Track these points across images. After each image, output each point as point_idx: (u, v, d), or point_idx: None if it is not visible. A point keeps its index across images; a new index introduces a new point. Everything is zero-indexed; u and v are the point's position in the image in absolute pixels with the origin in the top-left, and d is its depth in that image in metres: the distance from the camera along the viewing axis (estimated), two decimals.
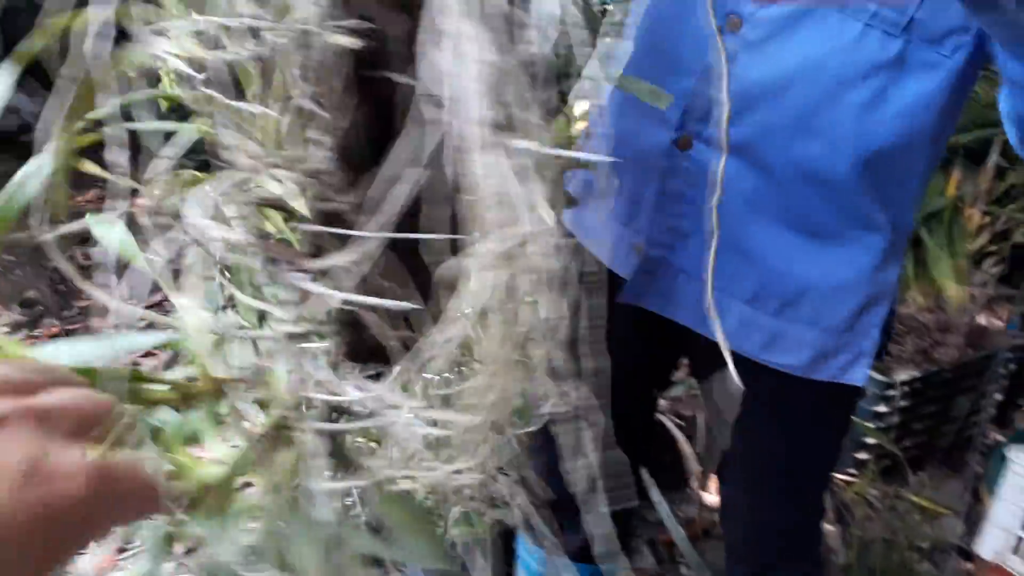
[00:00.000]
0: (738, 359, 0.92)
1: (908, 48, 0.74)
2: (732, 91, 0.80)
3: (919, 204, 0.89)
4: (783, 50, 0.77)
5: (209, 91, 0.39)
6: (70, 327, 2.25)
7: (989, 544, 1.39)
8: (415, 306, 0.39)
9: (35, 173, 0.42)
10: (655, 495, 1.64)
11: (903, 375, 1.83)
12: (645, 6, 0.88)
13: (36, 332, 2.25)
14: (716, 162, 0.83)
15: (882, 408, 1.83)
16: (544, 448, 1.22)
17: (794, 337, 0.89)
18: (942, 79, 0.77)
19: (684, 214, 0.87)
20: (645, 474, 1.64)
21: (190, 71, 0.39)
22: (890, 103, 0.78)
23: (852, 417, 1.01)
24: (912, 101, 0.77)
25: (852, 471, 1.88)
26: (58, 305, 2.31)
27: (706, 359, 1.02)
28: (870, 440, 1.85)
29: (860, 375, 0.91)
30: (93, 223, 0.48)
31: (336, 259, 0.38)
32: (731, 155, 0.82)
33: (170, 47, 0.39)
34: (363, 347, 0.45)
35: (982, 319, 2.00)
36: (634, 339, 1.05)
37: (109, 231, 0.47)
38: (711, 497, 1.76)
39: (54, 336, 2.20)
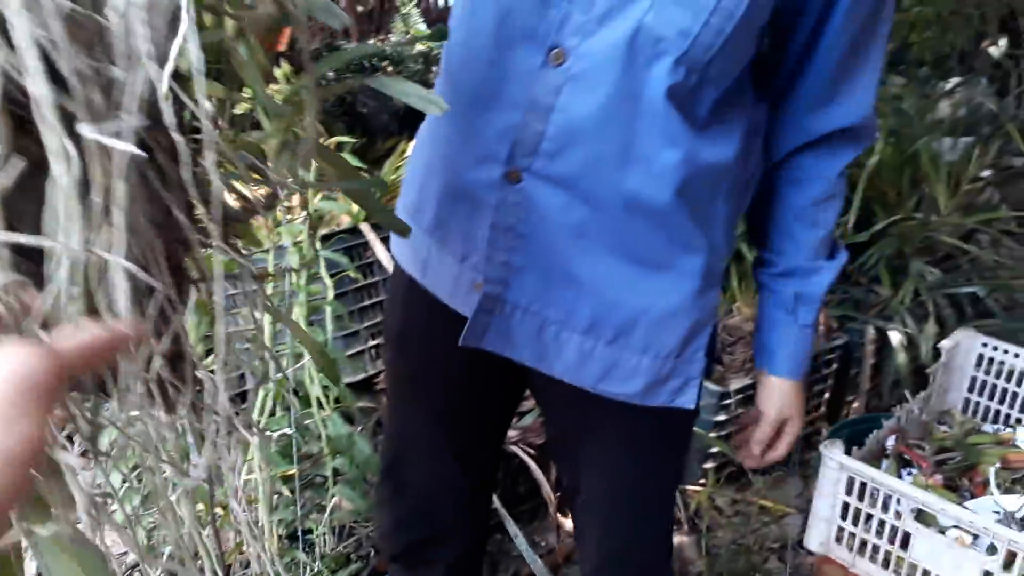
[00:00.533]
0: (578, 392, 0.93)
1: (704, 84, 0.78)
2: (557, 124, 0.80)
3: (734, 225, 0.94)
4: (605, 86, 0.78)
5: None
6: None
7: (815, 536, 1.47)
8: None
9: None
10: (511, 528, 1.63)
11: (736, 383, 1.92)
12: (457, 37, 0.88)
13: None
14: (545, 195, 0.84)
15: (721, 417, 1.91)
16: (390, 500, 1.18)
17: (628, 365, 0.91)
18: (739, 114, 0.84)
19: (516, 248, 0.87)
20: (500, 508, 1.63)
21: None
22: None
23: (690, 435, 1.04)
24: None
25: (702, 480, 1.96)
26: None
27: (546, 392, 1.03)
28: (713, 449, 1.92)
29: (690, 398, 0.93)
30: None
31: None
32: (559, 188, 0.83)
33: None
34: None
35: None
36: (475, 377, 1.04)
37: None
38: (571, 523, 1.77)
39: None
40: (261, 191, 0.55)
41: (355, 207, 1.94)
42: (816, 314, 1.00)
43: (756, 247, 1.02)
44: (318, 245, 1.59)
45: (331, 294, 1.61)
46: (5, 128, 0.37)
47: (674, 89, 0.76)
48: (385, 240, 1.99)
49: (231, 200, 0.50)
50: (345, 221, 2.04)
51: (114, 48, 0.38)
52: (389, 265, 1.93)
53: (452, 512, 1.13)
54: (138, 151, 0.37)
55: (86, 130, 0.37)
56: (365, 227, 2.00)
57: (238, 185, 0.51)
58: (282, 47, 1.70)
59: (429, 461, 1.10)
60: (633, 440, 0.97)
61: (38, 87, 0.35)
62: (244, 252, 0.51)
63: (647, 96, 0.77)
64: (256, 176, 0.53)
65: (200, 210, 0.44)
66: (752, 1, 0.73)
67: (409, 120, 2.81)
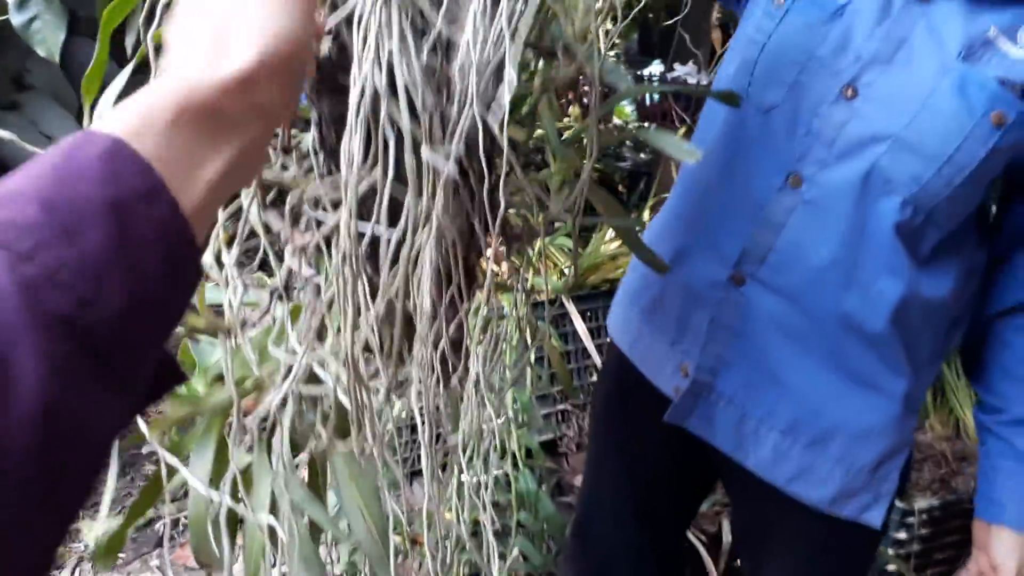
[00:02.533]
0: (768, 489, 0.99)
1: (929, 224, 0.84)
2: (786, 240, 0.89)
3: (940, 357, 0.97)
4: (836, 214, 0.85)
5: None
6: None
7: None
8: None
9: None
10: None
11: (922, 503, 1.87)
12: (707, 147, 0.96)
13: None
14: (766, 301, 0.92)
15: (902, 535, 1.86)
16: (578, 556, 1.26)
17: (821, 472, 0.95)
18: (960, 254, 0.89)
19: (730, 344, 0.95)
20: None
21: None
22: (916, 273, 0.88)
23: (874, 553, 1.05)
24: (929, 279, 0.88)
25: None
26: None
27: (737, 483, 1.08)
28: (891, 567, 1.87)
29: (878, 516, 0.96)
30: None
31: None
32: (779, 296, 0.91)
33: None
34: None
35: None
36: (670, 453, 1.12)
37: None
38: None
39: None
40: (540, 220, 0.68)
41: (558, 281, 2.09)
42: None
43: (980, 390, 0.98)
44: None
45: (533, 356, 1.75)
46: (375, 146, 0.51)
47: (899, 226, 0.83)
48: (583, 313, 2.12)
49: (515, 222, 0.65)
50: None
51: (453, 92, 0.51)
52: (584, 336, 2.06)
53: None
54: (454, 172, 0.50)
55: (425, 152, 0.50)
56: (566, 300, 2.13)
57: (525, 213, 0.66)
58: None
59: (616, 525, 1.18)
60: (816, 548, 1.01)
61: (403, 119, 0.49)
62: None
63: (873, 228, 0.84)
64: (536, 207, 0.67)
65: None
66: (985, 158, 0.79)
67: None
